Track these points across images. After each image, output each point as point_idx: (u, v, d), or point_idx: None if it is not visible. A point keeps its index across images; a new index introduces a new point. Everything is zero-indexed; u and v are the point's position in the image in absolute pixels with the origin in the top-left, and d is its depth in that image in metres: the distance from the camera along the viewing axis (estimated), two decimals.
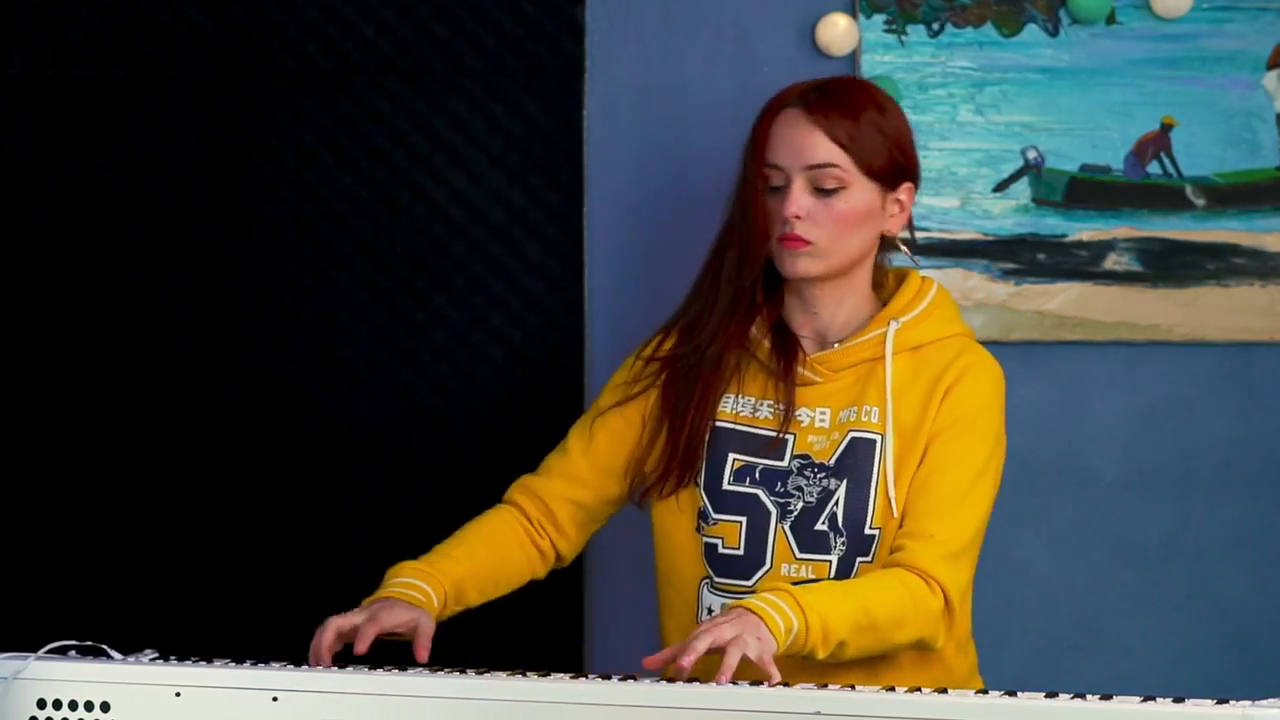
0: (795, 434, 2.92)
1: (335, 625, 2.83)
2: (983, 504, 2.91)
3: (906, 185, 3.00)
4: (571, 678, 2.53)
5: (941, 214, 3.75)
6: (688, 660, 2.53)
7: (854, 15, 3.74)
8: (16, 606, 3.79)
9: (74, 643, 2.69)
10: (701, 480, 2.96)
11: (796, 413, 2.92)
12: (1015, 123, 3.74)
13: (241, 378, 3.81)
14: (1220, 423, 3.74)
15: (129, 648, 2.74)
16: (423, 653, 2.80)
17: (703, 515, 2.95)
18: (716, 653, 2.56)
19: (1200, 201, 3.73)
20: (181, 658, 2.71)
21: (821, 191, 2.92)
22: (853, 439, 2.89)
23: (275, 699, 2.53)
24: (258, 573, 3.81)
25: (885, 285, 3.08)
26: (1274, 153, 3.71)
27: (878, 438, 2.88)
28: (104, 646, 2.69)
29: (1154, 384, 3.75)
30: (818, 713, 2.37)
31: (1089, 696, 2.34)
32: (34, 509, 3.84)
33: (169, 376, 3.81)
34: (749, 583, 2.90)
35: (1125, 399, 3.77)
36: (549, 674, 2.59)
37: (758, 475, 2.91)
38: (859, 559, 2.87)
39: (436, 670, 2.67)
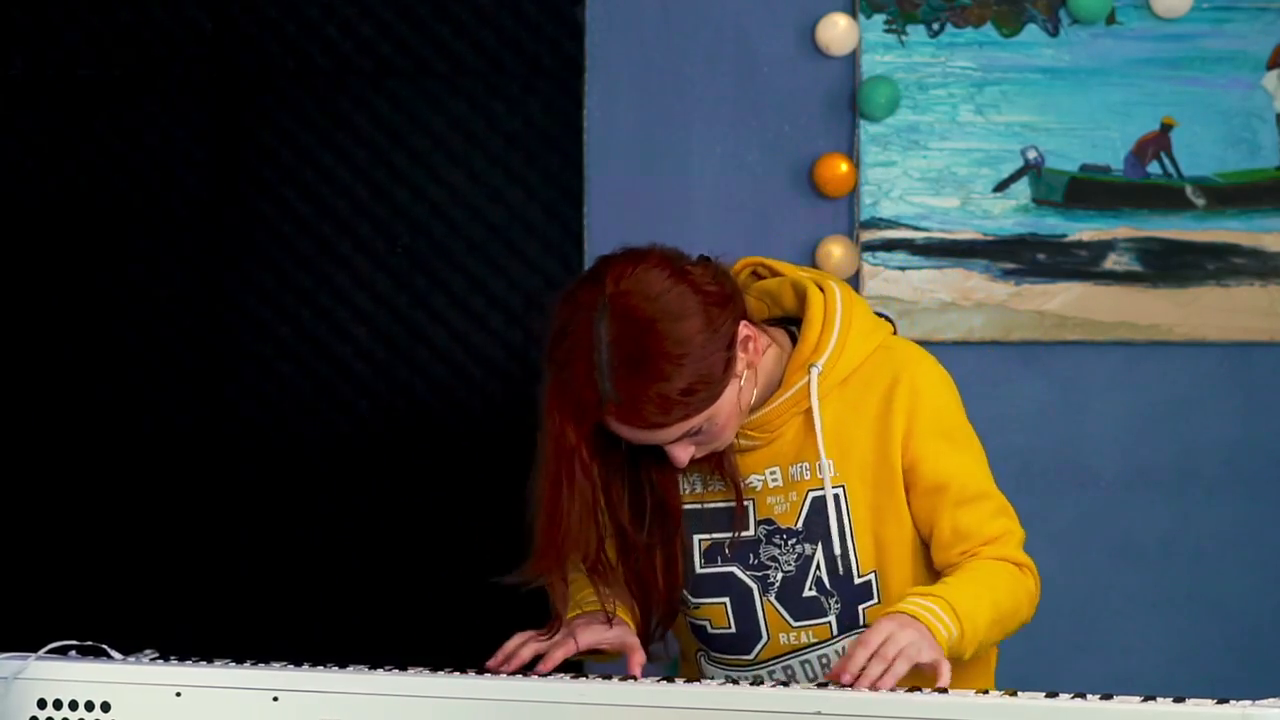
0: (754, 499, 2.81)
1: (534, 647, 2.70)
2: (996, 487, 2.87)
3: (741, 335, 2.69)
4: (571, 678, 2.53)
5: (941, 214, 3.75)
6: (889, 683, 2.49)
7: (854, 15, 3.74)
8: (16, 606, 3.80)
9: (74, 643, 2.68)
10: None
11: (749, 479, 2.82)
12: (1015, 123, 3.74)
13: (241, 378, 3.81)
14: (1220, 423, 3.74)
15: (129, 648, 2.74)
16: (636, 667, 2.68)
17: (683, 601, 2.85)
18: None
19: (1200, 201, 3.73)
20: (181, 658, 2.71)
21: (691, 435, 2.70)
22: (812, 499, 2.79)
23: (275, 699, 2.53)
24: (258, 573, 3.82)
25: (788, 303, 2.88)
26: (1274, 153, 3.71)
27: (835, 491, 2.78)
28: (104, 646, 2.69)
29: (1154, 384, 3.75)
30: (818, 712, 2.37)
31: (1089, 696, 2.34)
32: (34, 509, 3.84)
33: (169, 376, 3.82)
34: (749, 656, 2.84)
35: (1125, 399, 3.77)
36: (549, 674, 2.59)
37: (728, 551, 2.83)
38: (860, 606, 2.80)
39: (436, 670, 2.66)
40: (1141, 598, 3.75)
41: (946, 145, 3.75)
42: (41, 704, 2.57)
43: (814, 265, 3.75)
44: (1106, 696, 2.33)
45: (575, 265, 3.75)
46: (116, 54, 3.81)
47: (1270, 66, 3.72)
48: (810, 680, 2.80)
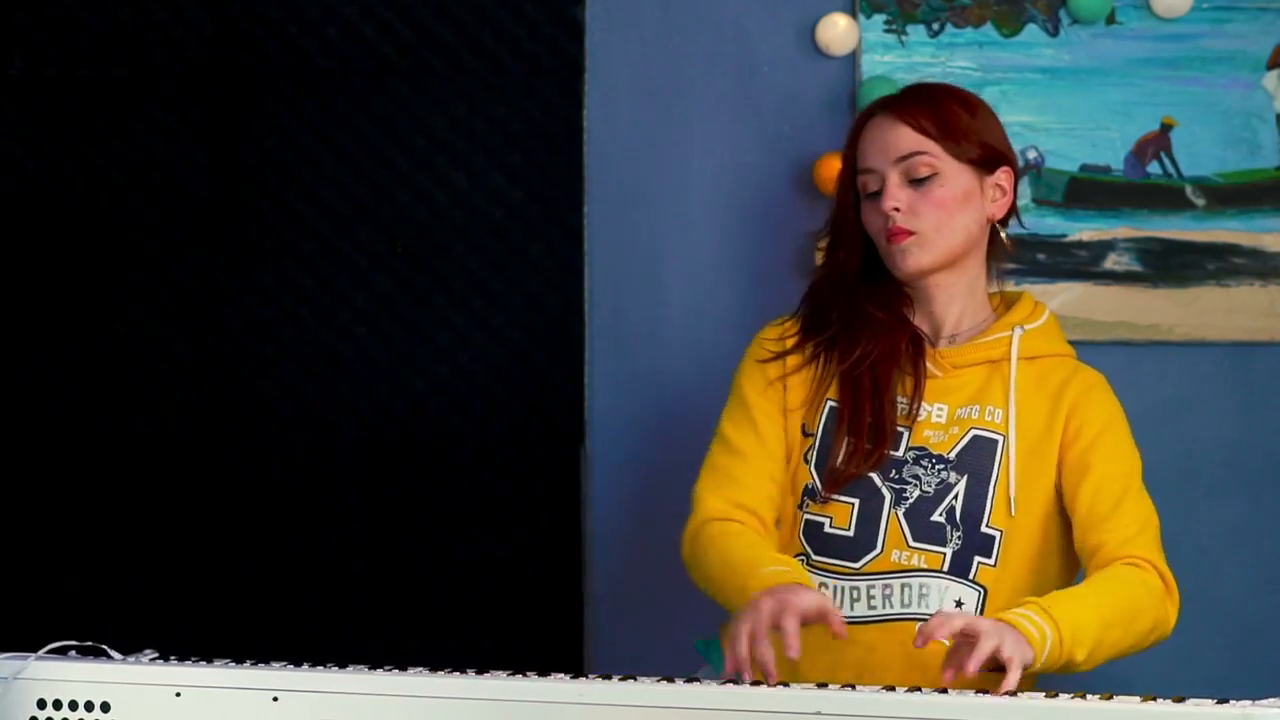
0: (910, 428, 2.93)
1: (762, 632, 2.62)
2: (1145, 506, 2.93)
3: (1004, 169, 3.01)
4: (571, 678, 2.53)
5: None
6: (973, 666, 2.52)
7: (854, 15, 3.74)
8: (16, 606, 3.80)
9: (74, 643, 2.69)
10: (813, 458, 2.96)
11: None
12: (1015, 123, 3.74)
13: (241, 378, 3.81)
14: (1220, 423, 3.74)
15: (129, 648, 2.74)
16: (840, 627, 2.67)
17: (810, 493, 2.93)
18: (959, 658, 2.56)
19: (1200, 201, 3.73)
20: (181, 658, 2.71)
21: (916, 182, 2.94)
22: (974, 436, 2.90)
23: (275, 699, 2.53)
24: (258, 573, 3.82)
25: (1005, 300, 3.10)
26: (1274, 153, 3.71)
27: (1000, 438, 2.90)
28: (104, 646, 2.69)
29: (1154, 384, 3.75)
30: (818, 712, 2.37)
31: (1089, 696, 2.34)
32: (34, 509, 3.84)
33: (169, 376, 3.82)
34: (856, 565, 2.88)
35: (1125, 399, 3.76)
36: (549, 674, 2.59)
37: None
38: (977, 558, 2.86)
39: (436, 670, 2.66)
40: None
41: None
42: (41, 704, 2.57)
43: (814, 265, 3.75)
44: (1107, 696, 2.33)
45: (575, 265, 3.75)
46: (116, 54, 3.81)
47: (1270, 66, 3.72)
48: (902, 607, 2.85)
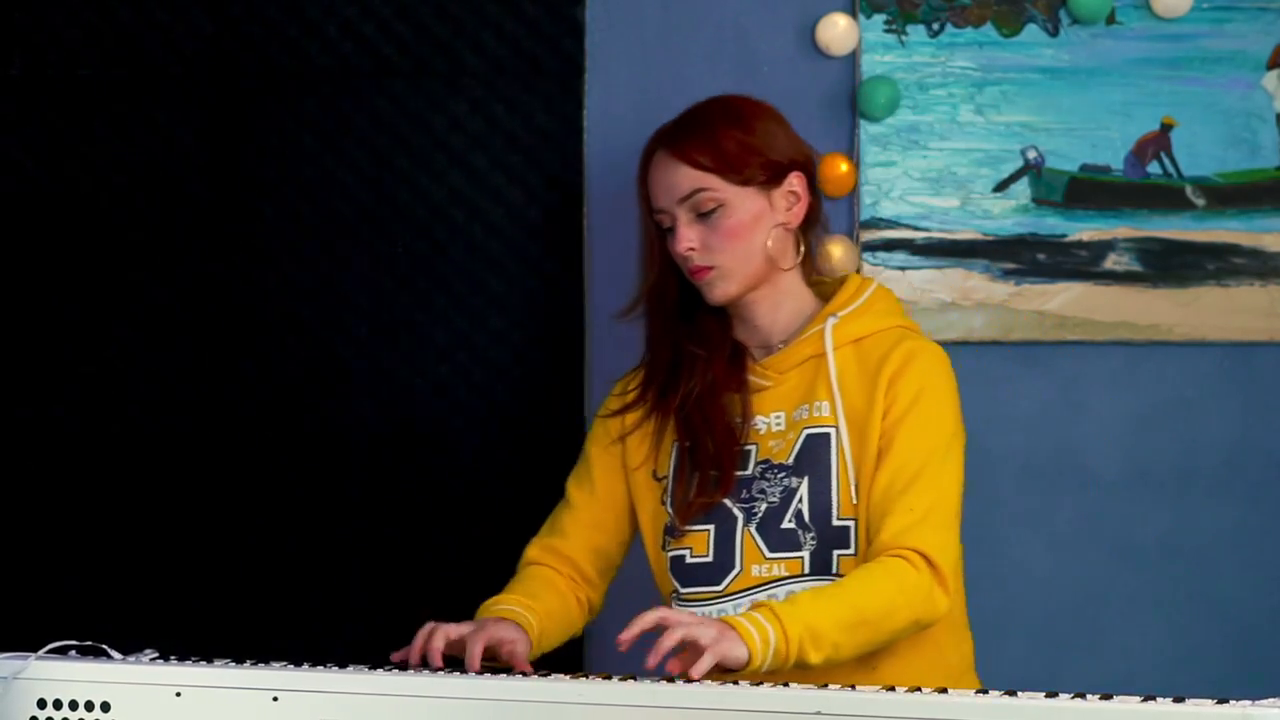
0: (757, 444, 2.96)
1: (444, 631, 2.82)
2: (952, 476, 2.91)
3: (794, 174, 3.01)
4: (571, 678, 2.53)
5: (941, 214, 3.75)
6: (653, 660, 2.59)
7: (854, 15, 3.74)
8: (16, 606, 3.80)
9: (74, 643, 2.69)
10: (669, 499, 2.99)
11: (754, 421, 2.95)
12: (1015, 123, 3.74)
13: (241, 378, 3.81)
14: (1220, 423, 3.74)
15: (129, 648, 2.74)
16: (520, 666, 2.83)
17: (669, 530, 2.98)
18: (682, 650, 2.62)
19: (1200, 201, 3.73)
20: (181, 658, 2.71)
21: (705, 216, 2.94)
22: (807, 435, 2.93)
23: (275, 699, 2.53)
24: (258, 573, 3.81)
25: (827, 289, 3.11)
26: (1274, 153, 3.71)
27: (831, 430, 2.91)
28: (104, 646, 2.69)
29: (1154, 384, 3.75)
30: (818, 712, 2.37)
31: (1089, 696, 2.34)
32: (34, 509, 3.84)
33: (169, 376, 3.82)
34: (719, 588, 2.92)
35: (1125, 399, 3.77)
36: (549, 674, 2.59)
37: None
38: (835, 552, 2.89)
39: (436, 670, 2.66)
40: (1141, 598, 3.75)
41: (946, 145, 3.75)
42: (41, 704, 2.57)
43: (814, 265, 3.75)
44: (1106, 696, 2.33)
45: (575, 265, 3.75)
46: (116, 54, 3.81)
47: (1270, 66, 3.72)
48: None
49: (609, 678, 2.54)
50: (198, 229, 3.81)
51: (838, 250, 3.73)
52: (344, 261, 3.80)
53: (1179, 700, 2.31)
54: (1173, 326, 3.73)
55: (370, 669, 2.62)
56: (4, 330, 3.83)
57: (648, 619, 2.65)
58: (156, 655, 2.72)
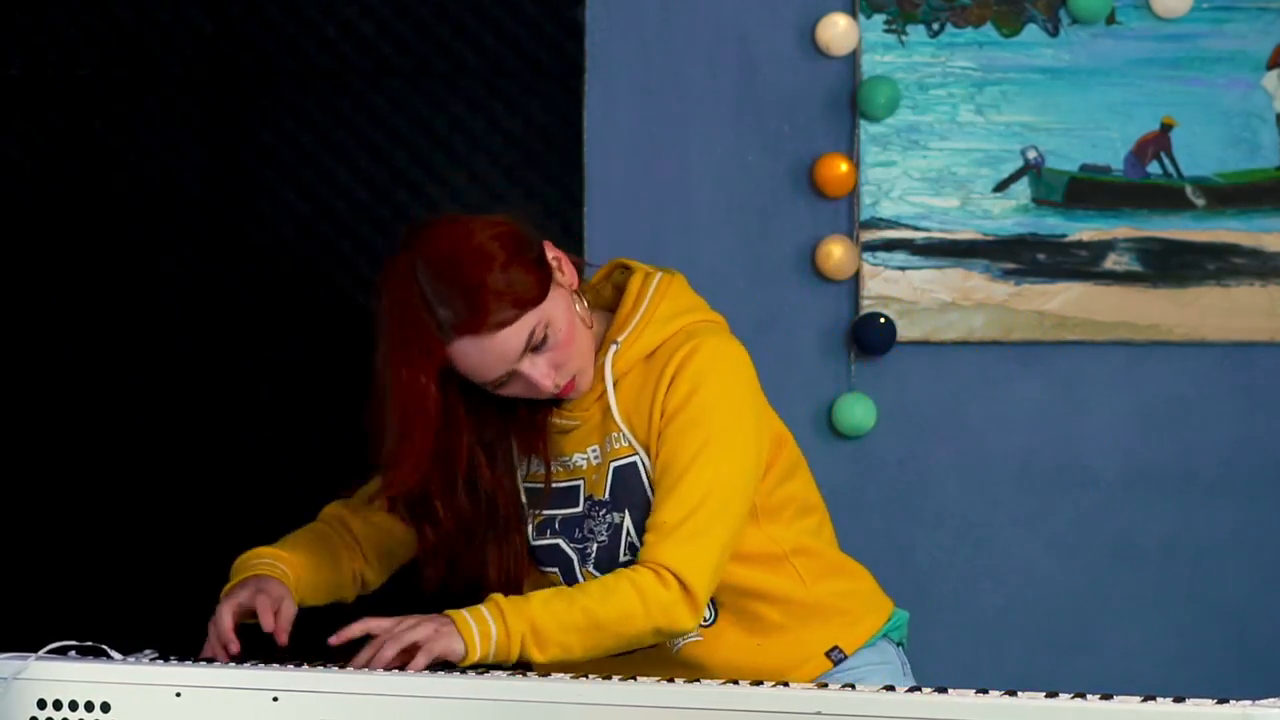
0: (584, 479, 2.94)
1: (229, 607, 2.85)
2: (725, 473, 2.85)
3: (545, 249, 2.93)
4: (572, 678, 2.53)
5: (941, 214, 3.75)
6: (365, 655, 2.66)
7: (854, 15, 3.74)
8: (16, 606, 3.80)
9: (74, 643, 2.69)
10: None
11: (572, 458, 2.93)
12: (1015, 123, 3.74)
13: (241, 377, 3.81)
14: (1220, 423, 3.74)
15: (129, 648, 2.74)
16: (284, 636, 2.83)
17: (536, 561, 3.00)
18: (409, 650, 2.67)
19: (1200, 201, 3.73)
20: (181, 658, 2.71)
21: (539, 347, 2.86)
22: (614, 469, 2.91)
23: (275, 699, 2.53)
24: None
25: (613, 298, 3.04)
26: (1274, 153, 3.71)
27: (634, 459, 2.89)
28: (104, 646, 2.69)
29: (1154, 384, 3.75)
30: (818, 712, 2.37)
31: (1089, 696, 2.34)
32: (34, 509, 3.84)
33: (168, 376, 3.82)
34: None
35: (1125, 399, 3.77)
36: (549, 674, 2.59)
37: (557, 526, 2.94)
38: None
39: (436, 670, 2.67)
40: (1141, 598, 3.75)
41: (946, 145, 3.75)
42: (41, 704, 2.57)
43: (814, 265, 3.75)
44: (1106, 696, 2.33)
45: (575, 265, 3.75)
46: (116, 54, 3.81)
47: (1270, 66, 3.72)
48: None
49: (609, 678, 2.54)
50: (197, 228, 3.81)
51: (838, 250, 3.73)
52: (344, 261, 3.80)
53: (1179, 700, 2.31)
54: (1173, 326, 3.73)
55: (370, 669, 2.62)
56: (4, 330, 3.83)
57: (354, 629, 2.70)
58: (156, 655, 2.72)
